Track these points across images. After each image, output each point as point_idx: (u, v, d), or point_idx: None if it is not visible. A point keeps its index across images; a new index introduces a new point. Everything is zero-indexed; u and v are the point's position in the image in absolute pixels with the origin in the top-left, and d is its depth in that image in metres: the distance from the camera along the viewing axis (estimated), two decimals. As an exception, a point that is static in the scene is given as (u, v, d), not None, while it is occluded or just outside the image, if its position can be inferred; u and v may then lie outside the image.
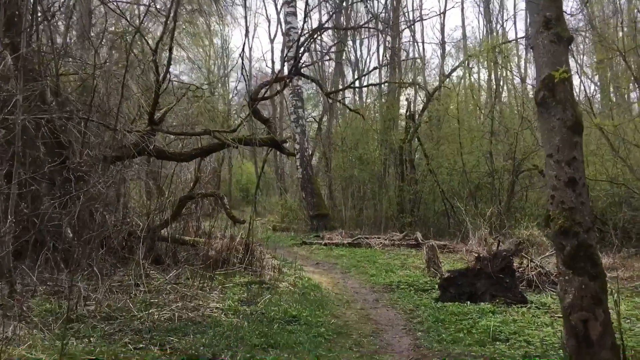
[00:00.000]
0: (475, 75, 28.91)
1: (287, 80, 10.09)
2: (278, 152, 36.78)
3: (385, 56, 25.93)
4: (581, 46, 23.86)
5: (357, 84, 21.44)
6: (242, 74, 10.94)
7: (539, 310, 7.86)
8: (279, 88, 11.39)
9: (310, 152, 23.00)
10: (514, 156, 19.23)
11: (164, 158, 9.13)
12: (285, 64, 10.09)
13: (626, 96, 22.88)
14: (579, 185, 4.22)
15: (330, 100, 14.48)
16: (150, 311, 6.57)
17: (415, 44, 29.85)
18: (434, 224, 20.66)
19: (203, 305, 7.12)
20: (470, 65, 22.58)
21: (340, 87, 33.68)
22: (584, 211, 4.20)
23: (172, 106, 9.01)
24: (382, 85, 24.38)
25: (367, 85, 23.27)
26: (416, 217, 20.53)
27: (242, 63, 10.31)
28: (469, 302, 8.33)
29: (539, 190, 20.70)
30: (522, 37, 25.54)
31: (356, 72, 42.30)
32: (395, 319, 7.76)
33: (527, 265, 10.06)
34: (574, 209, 4.18)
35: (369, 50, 45.89)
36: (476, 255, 9.02)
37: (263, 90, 10.12)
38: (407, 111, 22.34)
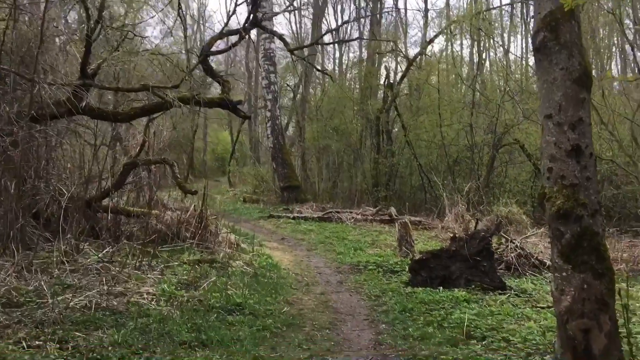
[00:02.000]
0: (458, 46, 27.88)
1: (244, 33, 8.94)
2: (253, 119, 35.72)
3: (363, 13, 24.62)
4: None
5: (325, 39, 20.12)
6: (178, 14, 9.63)
7: (519, 299, 7.00)
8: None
9: (281, 120, 21.83)
10: (494, 130, 18.34)
11: (98, 117, 7.97)
12: (238, 14, 8.95)
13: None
14: (585, 156, 3.24)
15: (295, 58, 13.31)
16: (63, 297, 5.52)
17: (397, 10, 28.64)
18: (410, 198, 19.78)
19: (132, 290, 6.08)
20: (453, 33, 21.44)
21: (319, 54, 32.43)
22: (590, 189, 3.23)
23: (108, 58, 7.77)
24: (361, 54, 23.23)
25: (338, 42, 21.99)
26: (391, 191, 19.62)
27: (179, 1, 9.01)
28: (441, 288, 7.44)
29: (518, 165, 19.94)
30: (507, 4, 24.48)
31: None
32: (358, 306, 6.82)
33: (507, 247, 9.20)
34: (577, 186, 3.22)
35: (349, 18, 44.38)
36: (452, 235, 8.11)
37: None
38: (385, 80, 21.25)
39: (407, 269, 8.45)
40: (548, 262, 9.38)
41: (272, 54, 20.07)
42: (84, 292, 5.76)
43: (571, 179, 3.22)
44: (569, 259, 3.18)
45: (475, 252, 7.74)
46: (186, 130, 37.71)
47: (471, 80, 21.80)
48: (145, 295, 5.99)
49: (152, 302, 5.87)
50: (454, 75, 25.62)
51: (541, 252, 10.43)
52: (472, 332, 5.43)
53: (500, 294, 7.26)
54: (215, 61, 45.19)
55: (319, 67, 19.07)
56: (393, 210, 16.34)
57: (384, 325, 5.90)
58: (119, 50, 8.21)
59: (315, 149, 23.44)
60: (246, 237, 11.56)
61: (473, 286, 7.45)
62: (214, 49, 9.68)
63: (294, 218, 16.12)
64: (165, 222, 9.66)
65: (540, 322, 5.81)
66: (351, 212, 16.65)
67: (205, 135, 46.81)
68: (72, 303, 5.39)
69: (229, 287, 6.83)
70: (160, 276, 7.05)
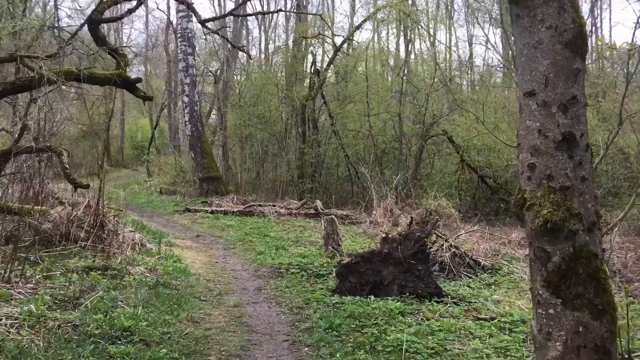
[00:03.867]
0: (386, 34, 27.39)
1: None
2: (173, 106, 33.79)
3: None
4: None
5: (242, 11, 18.88)
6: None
7: (458, 308, 6.22)
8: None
9: (201, 107, 20.36)
10: (423, 120, 17.84)
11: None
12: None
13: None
14: (580, 148, 2.37)
15: (207, 31, 12.04)
16: None
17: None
18: (337, 191, 18.98)
19: (-14, 313, 4.74)
20: (381, 19, 20.76)
21: (244, 40, 30.99)
22: (587, 193, 2.36)
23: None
24: (287, 37, 22.10)
25: (256, 14, 20.84)
26: (317, 183, 18.71)
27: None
28: (372, 297, 6.56)
29: (445, 157, 19.61)
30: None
31: (262, 26, 39.52)
32: (277, 322, 5.80)
33: (441, 246, 8.48)
34: (569, 190, 2.34)
35: (276, 3, 43.06)
36: (383, 235, 7.25)
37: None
38: (312, 66, 20.27)
39: (334, 273, 7.53)
40: (483, 262, 8.77)
41: (189, 34, 18.54)
42: None
43: (561, 179, 2.33)
44: (558, 290, 2.30)
45: (410, 255, 6.91)
46: (102, 117, 35.30)
47: (398, 68, 21.27)
48: (3, 321, 4.68)
49: (12, 330, 4.57)
50: (380, 64, 25.08)
51: (472, 249, 9.88)
52: (412, 357, 4.54)
53: (437, 302, 6.47)
54: (135, 43, 42.66)
55: (243, 52, 17.74)
56: (319, 203, 15.45)
57: (307, 349, 4.90)
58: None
59: (238, 138, 22.16)
60: (154, 236, 10.27)
61: (407, 294, 6.63)
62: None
63: (212, 212, 14.87)
64: (53, 221, 8.22)
65: (487, 341, 5.02)
66: (274, 206, 15.62)
67: (122, 122, 44.21)
68: None
69: (119, 303, 5.60)
70: (32, 291, 5.71)
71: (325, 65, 20.75)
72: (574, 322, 2.28)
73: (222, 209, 15.34)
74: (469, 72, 29.57)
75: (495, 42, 34.95)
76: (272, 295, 6.98)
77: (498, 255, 10.01)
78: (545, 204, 2.33)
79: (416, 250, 6.91)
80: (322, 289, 7.14)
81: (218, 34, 11.07)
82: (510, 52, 19.64)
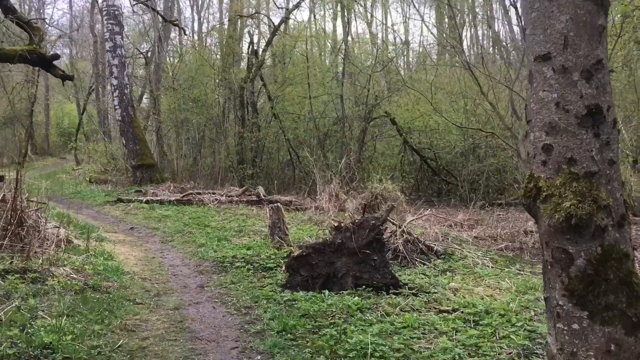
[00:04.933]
0: (325, 15, 26.86)
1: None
2: (101, 89, 31.97)
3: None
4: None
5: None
6: None
7: (418, 300, 5.83)
8: None
9: (131, 90, 19.18)
10: (366, 101, 17.48)
11: None
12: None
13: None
14: (607, 124, 1.92)
15: (135, 1, 11.11)
16: None
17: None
18: (279, 176, 18.42)
19: None
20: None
21: (176, 15, 29.62)
22: (615, 180, 1.92)
23: None
24: (222, 17, 21.13)
25: None
26: (258, 168, 18.07)
27: None
28: (327, 292, 6.08)
29: (388, 139, 19.40)
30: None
31: (195, 7, 38.14)
32: (224, 325, 5.22)
33: (394, 232, 8.10)
34: (596, 176, 1.89)
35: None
36: (335, 224, 6.76)
37: None
38: (249, 46, 19.46)
39: (283, 266, 7.00)
40: (436, 247, 8.48)
41: (116, 12, 17.28)
42: None
43: (586, 163, 1.89)
44: (584, 300, 1.87)
45: (365, 244, 6.47)
46: (24, 102, 33.06)
47: (337, 50, 20.80)
48: None
49: None
50: (318, 45, 24.54)
51: (423, 233, 9.61)
52: (377, 362, 4.10)
53: (395, 293, 6.07)
54: (60, 25, 40.18)
55: (176, 27, 16.76)
56: (261, 189, 14.84)
57: (259, 358, 4.36)
58: None
59: (173, 122, 21.13)
60: (83, 230, 9.39)
61: (363, 286, 6.19)
62: None
63: (147, 202, 13.98)
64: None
65: (454, 337, 4.65)
66: (214, 193, 14.88)
67: (47, 108, 41.70)
68: None
69: (39, 313, 4.86)
70: None
71: (263, 46, 19.97)
72: (604, 340, 1.86)
73: (158, 198, 14.47)
74: (405, 54, 29.57)
75: (430, 22, 35.04)
76: (216, 293, 6.38)
77: (448, 238, 9.78)
78: (566, 194, 1.88)
79: (371, 239, 6.48)
80: (271, 284, 6.59)
81: (147, 5, 10.16)
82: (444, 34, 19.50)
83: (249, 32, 21.25)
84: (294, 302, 5.70)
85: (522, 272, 7.54)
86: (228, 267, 7.57)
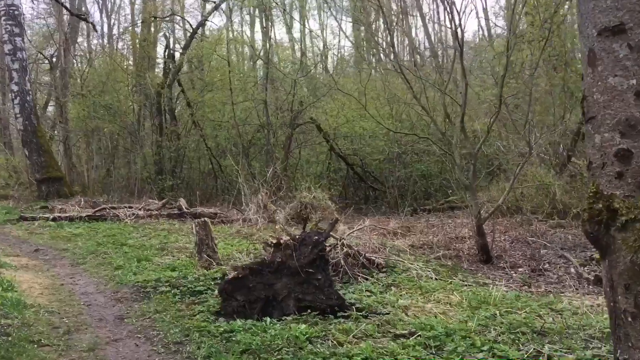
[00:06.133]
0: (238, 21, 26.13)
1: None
2: (1, 96, 29.38)
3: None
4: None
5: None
6: None
7: (370, 325, 5.25)
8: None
9: (34, 97, 17.57)
10: (291, 107, 16.91)
11: None
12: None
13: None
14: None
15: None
16: None
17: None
18: (201, 186, 17.44)
19: None
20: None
21: (83, 25, 27.79)
22: None
23: None
24: (137, 20, 19.92)
25: None
26: (179, 179, 17.00)
27: None
28: (268, 319, 5.40)
29: (313, 145, 18.94)
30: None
31: (104, 12, 36.27)
32: (150, 368, 4.42)
33: (334, 246, 7.55)
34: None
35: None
36: (274, 241, 6.11)
37: None
38: (165, 50, 18.39)
39: (214, 290, 6.26)
40: (377, 260, 8.01)
41: (15, 12, 15.71)
42: None
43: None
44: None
45: (307, 263, 5.86)
46: None
47: (257, 55, 20.16)
48: None
49: None
50: (236, 52, 23.78)
51: (359, 244, 9.15)
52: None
53: (343, 316, 5.50)
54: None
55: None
56: (183, 202, 13.89)
57: (197, 411, 3.63)
58: None
59: (83, 131, 19.59)
60: (-23, 256, 8.16)
61: (308, 310, 5.57)
62: None
63: (54, 219, 12.65)
64: None
65: (420, 367, 4.13)
66: (131, 207, 13.76)
67: None
68: None
69: None
70: None
71: (181, 50, 18.96)
72: None
73: (67, 214, 13.15)
74: (324, 60, 29.37)
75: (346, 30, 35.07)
76: (138, 326, 5.53)
77: (386, 248, 9.37)
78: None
79: (314, 256, 5.88)
80: (202, 311, 5.82)
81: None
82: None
83: (164, 34, 20.15)
84: (231, 334, 4.98)
85: (466, 283, 7.24)
86: (151, 292, 6.70)
